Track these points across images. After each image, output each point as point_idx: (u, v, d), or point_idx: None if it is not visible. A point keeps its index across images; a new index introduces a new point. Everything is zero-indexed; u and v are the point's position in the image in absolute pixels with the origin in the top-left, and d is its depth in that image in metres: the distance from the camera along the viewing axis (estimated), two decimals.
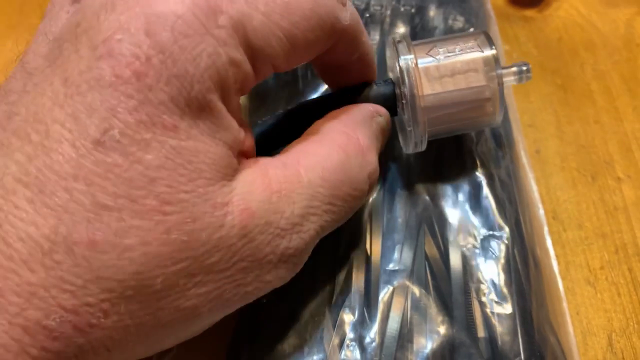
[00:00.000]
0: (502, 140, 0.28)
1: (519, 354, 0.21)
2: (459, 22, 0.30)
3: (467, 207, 0.25)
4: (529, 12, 0.37)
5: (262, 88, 0.29)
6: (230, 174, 0.16)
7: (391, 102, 0.23)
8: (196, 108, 0.15)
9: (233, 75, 0.16)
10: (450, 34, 0.30)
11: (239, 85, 0.17)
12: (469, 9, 0.31)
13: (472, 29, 0.30)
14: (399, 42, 0.23)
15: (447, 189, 0.25)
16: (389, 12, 0.30)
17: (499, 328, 0.22)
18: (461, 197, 0.25)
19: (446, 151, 0.26)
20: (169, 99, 0.15)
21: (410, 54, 0.22)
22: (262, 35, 0.17)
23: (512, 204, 0.26)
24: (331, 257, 0.23)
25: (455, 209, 0.25)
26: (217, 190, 0.16)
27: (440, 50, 0.23)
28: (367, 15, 0.30)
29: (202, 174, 0.15)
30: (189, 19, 0.15)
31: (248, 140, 0.18)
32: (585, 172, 0.30)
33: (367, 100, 0.23)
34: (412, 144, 0.23)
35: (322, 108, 0.22)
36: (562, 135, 0.31)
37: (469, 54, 0.23)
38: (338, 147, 0.19)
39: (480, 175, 0.26)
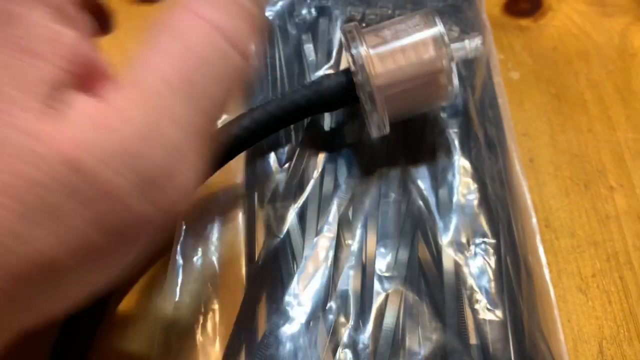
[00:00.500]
0: (496, 148, 0.28)
1: None
2: (454, 32, 0.30)
3: (461, 214, 0.25)
4: (524, 22, 0.37)
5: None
6: (52, 96, 0.14)
7: (349, 90, 0.24)
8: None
9: None
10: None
11: None
12: (464, 19, 0.32)
13: (467, 40, 0.30)
14: (349, 31, 0.24)
15: (441, 196, 0.26)
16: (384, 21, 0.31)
17: (491, 335, 0.22)
18: (454, 204, 0.25)
19: (440, 158, 0.27)
20: None
21: (360, 40, 0.23)
22: None
23: (505, 212, 0.26)
24: (325, 262, 0.23)
25: (448, 216, 0.25)
26: (28, 113, 0.13)
27: (389, 31, 0.24)
28: (364, 24, 0.30)
29: (13, 99, 0.13)
30: None
31: (92, 57, 0.15)
32: (578, 181, 0.30)
33: (328, 90, 0.24)
34: (375, 127, 0.24)
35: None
36: (556, 144, 0.31)
37: (416, 31, 0.24)
38: (172, 35, 0.16)
39: (473, 183, 0.26)
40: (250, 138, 0.24)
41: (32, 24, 0.13)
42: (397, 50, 0.23)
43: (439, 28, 0.24)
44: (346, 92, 0.24)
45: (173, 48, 0.15)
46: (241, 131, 0.23)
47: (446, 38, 0.24)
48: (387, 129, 0.24)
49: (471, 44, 0.25)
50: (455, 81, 0.24)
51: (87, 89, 0.15)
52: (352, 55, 0.23)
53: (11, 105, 0.13)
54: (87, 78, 0.15)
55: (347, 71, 0.24)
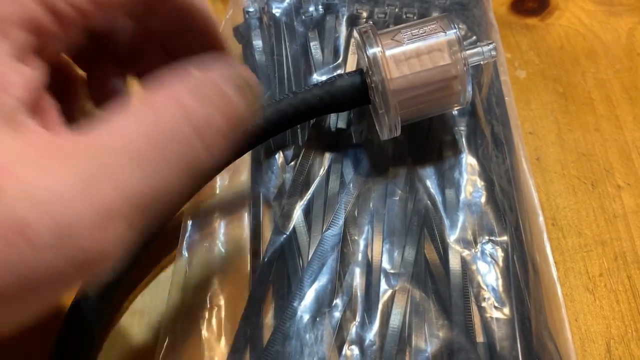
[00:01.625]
0: (503, 147, 0.28)
1: None
2: (462, 30, 0.30)
3: (467, 212, 0.25)
4: (531, 21, 0.37)
5: None
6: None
7: (362, 91, 0.24)
8: None
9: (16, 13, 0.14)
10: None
11: (16, 20, 0.15)
12: (471, 17, 0.31)
13: (474, 37, 0.30)
14: (365, 32, 0.24)
15: (448, 194, 0.25)
16: (392, 19, 0.30)
17: (498, 333, 0.22)
18: (461, 202, 0.25)
19: (447, 157, 0.27)
20: None
21: (377, 41, 0.23)
22: None
23: (512, 211, 0.26)
24: (333, 259, 0.23)
25: (455, 214, 0.25)
26: None
27: (405, 35, 0.24)
28: (371, 22, 0.30)
29: None
30: None
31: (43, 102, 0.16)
32: (586, 180, 0.30)
33: (340, 90, 0.23)
34: (387, 130, 0.24)
35: None
36: (563, 143, 0.31)
37: (432, 36, 0.24)
38: (146, 105, 0.16)
39: (480, 181, 0.26)
40: (261, 135, 0.24)
41: None
42: (413, 55, 0.23)
43: (455, 33, 0.24)
44: (359, 93, 0.24)
45: (141, 117, 0.15)
46: (252, 128, 0.23)
47: (462, 44, 0.24)
48: (399, 132, 0.24)
49: (485, 50, 0.25)
50: (469, 87, 0.24)
51: (40, 120, 0.15)
52: (367, 57, 0.23)
53: None
54: (41, 112, 0.15)
55: (360, 72, 0.24)
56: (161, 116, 0.15)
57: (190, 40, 0.20)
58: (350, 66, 0.29)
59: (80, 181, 0.13)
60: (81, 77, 0.22)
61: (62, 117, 0.16)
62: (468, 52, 0.24)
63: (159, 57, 0.21)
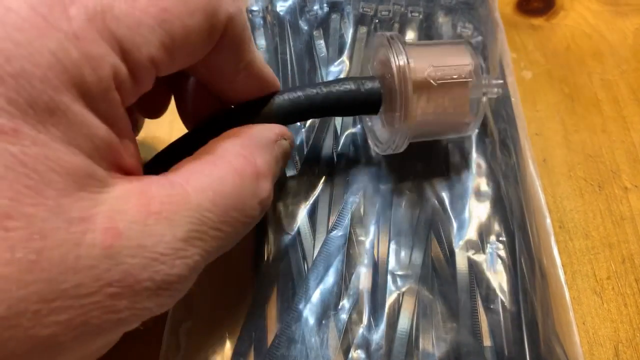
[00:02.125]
0: (509, 148, 0.28)
1: None
2: (468, 30, 0.30)
3: (475, 214, 0.25)
4: (537, 21, 0.37)
5: None
6: (93, 185, 0.15)
7: (376, 103, 0.23)
8: (43, 111, 0.14)
9: (94, 73, 0.14)
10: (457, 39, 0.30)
11: (108, 85, 0.15)
12: (477, 17, 0.31)
13: (480, 37, 0.30)
14: (392, 40, 0.23)
15: (455, 196, 0.25)
16: (397, 18, 0.30)
17: (506, 337, 0.22)
18: (468, 204, 0.25)
19: (455, 157, 0.26)
20: (6, 100, 0.13)
21: (407, 62, 0.22)
22: (128, 24, 0.15)
23: (519, 212, 0.25)
24: (339, 261, 0.23)
25: (462, 215, 0.25)
26: (72, 204, 0.14)
27: (438, 73, 0.23)
28: (376, 21, 0.30)
29: (52, 184, 0.14)
30: (24, 13, 0.14)
31: (129, 153, 0.16)
32: (592, 182, 0.29)
33: (354, 98, 0.22)
34: (387, 149, 0.24)
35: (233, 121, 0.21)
36: (569, 144, 0.31)
37: (461, 83, 0.23)
38: (234, 171, 0.18)
39: (487, 182, 0.25)
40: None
41: (71, 116, 0.14)
42: (439, 97, 0.23)
43: (479, 67, 0.23)
44: (370, 104, 0.23)
45: (228, 178, 0.17)
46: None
47: (481, 82, 0.24)
48: (402, 150, 0.24)
49: (493, 84, 0.25)
50: (479, 122, 0.24)
51: (121, 173, 0.16)
52: (398, 89, 0.22)
53: (52, 189, 0.14)
54: (120, 167, 0.16)
55: (375, 81, 0.23)
56: (245, 190, 0.18)
57: (242, 82, 0.21)
58: (356, 65, 0.29)
59: (181, 242, 0.16)
60: None
61: (138, 157, 0.17)
62: (488, 81, 0.24)
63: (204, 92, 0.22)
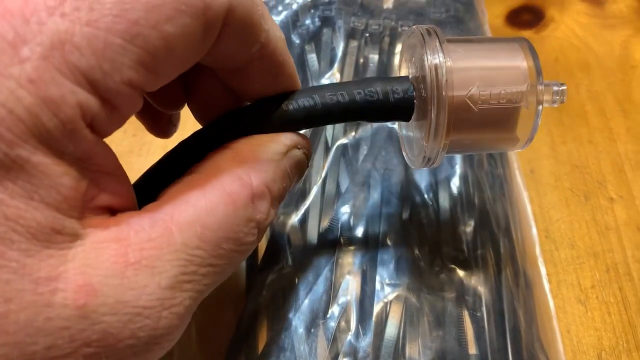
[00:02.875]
0: (496, 159, 0.28)
1: None
2: None
3: (462, 223, 0.25)
4: (526, 33, 0.38)
5: None
6: (62, 240, 0.13)
7: (408, 110, 0.20)
8: None
9: (55, 117, 0.13)
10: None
11: (73, 126, 0.13)
12: (466, 30, 0.32)
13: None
14: (428, 35, 0.19)
15: (442, 205, 0.26)
16: (387, 32, 0.31)
17: (490, 345, 0.23)
18: (456, 213, 0.26)
19: (442, 168, 0.27)
20: None
21: (444, 86, 0.18)
22: (92, 51, 0.13)
23: (505, 222, 0.26)
24: (328, 270, 0.23)
25: (449, 224, 0.25)
26: (38, 263, 0.13)
27: (482, 95, 0.19)
28: (367, 35, 0.31)
29: (13, 245, 0.13)
30: None
31: (110, 191, 0.15)
32: (579, 192, 0.30)
33: (383, 101, 0.19)
34: (423, 163, 0.20)
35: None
36: (556, 155, 0.31)
37: (510, 109, 0.19)
38: (226, 197, 0.16)
39: (474, 192, 0.26)
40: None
41: (31, 169, 0.13)
42: (477, 120, 0.19)
43: (538, 106, 0.20)
44: (405, 110, 0.20)
45: (219, 209, 0.16)
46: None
47: (538, 92, 0.20)
48: (437, 164, 0.21)
49: (558, 91, 0.21)
50: (528, 142, 0.21)
51: (95, 221, 0.15)
52: (433, 79, 0.19)
53: (13, 250, 0.13)
54: (98, 209, 0.15)
55: (410, 85, 0.20)
56: (238, 217, 0.16)
57: (261, 73, 0.18)
58: (347, 78, 0.29)
59: (167, 291, 0.14)
60: None
61: (126, 190, 0.16)
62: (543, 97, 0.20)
63: (221, 90, 0.20)
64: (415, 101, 0.19)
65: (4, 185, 0.13)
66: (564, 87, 0.20)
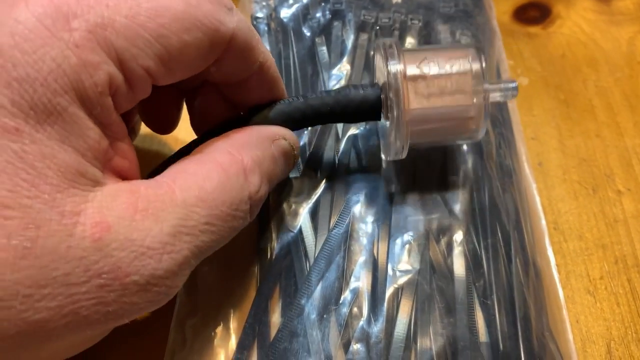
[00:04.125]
0: (505, 151, 0.28)
1: None
2: (466, 37, 0.31)
3: (472, 214, 0.25)
4: (534, 29, 0.38)
5: None
6: (85, 183, 0.16)
7: (376, 108, 0.23)
8: (42, 112, 0.15)
9: (92, 79, 0.16)
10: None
11: (103, 90, 0.16)
12: (475, 25, 0.32)
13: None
14: (390, 47, 0.23)
15: (453, 196, 0.26)
16: (397, 25, 0.31)
17: (501, 333, 0.23)
18: (466, 204, 0.26)
19: (452, 161, 0.27)
20: (10, 102, 0.15)
21: (400, 63, 0.23)
22: (126, 37, 0.16)
23: (515, 214, 0.26)
24: (340, 257, 0.24)
25: (460, 215, 0.25)
26: (65, 198, 0.15)
27: (431, 64, 0.23)
28: (377, 27, 0.31)
29: (47, 179, 0.15)
30: (31, 24, 0.15)
31: (122, 155, 0.18)
32: (587, 185, 0.30)
33: (352, 103, 0.23)
34: (393, 152, 0.24)
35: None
36: (564, 149, 0.32)
37: (458, 72, 0.23)
38: (219, 167, 0.19)
39: (484, 184, 0.26)
40: None
41: (67, 117, 0.16)
42: (435, 90, 0.23)
43: (480, 70, 0.23)
44: (372, 109, 0.23)
45: (214, 176, 0.18)
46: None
47: (487, 82, 0.23)
48: (404, 156, 0.24)
49: (507, 88, 0.24)
50: (485, 125, 0.24)
51: (116, 173, 0.18)
52: (388, 80, 0.23)
53: (47, 184, 0.15)
54: (112, 168, 0.17)
55: (377, 87, 0.24)
56: (231, 184, 0.18)
57: (257, 87, 0.22)
58: (357, 69, 0.29)
59: (169, 237, 0.17)
60: None
61: (133, 161, 0.19)
62: (490, 87, 0.24)
63: (216, 94, 0.23)
64: (382, 99, 0.23)
65: (44, 128, 0.15)
66: (514, 84, 0.24)
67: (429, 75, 0.23)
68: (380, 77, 0.25)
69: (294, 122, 0.23)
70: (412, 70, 0.23)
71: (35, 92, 0.15)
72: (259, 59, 0.21)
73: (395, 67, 0.23)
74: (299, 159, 0.27)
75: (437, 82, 0.23)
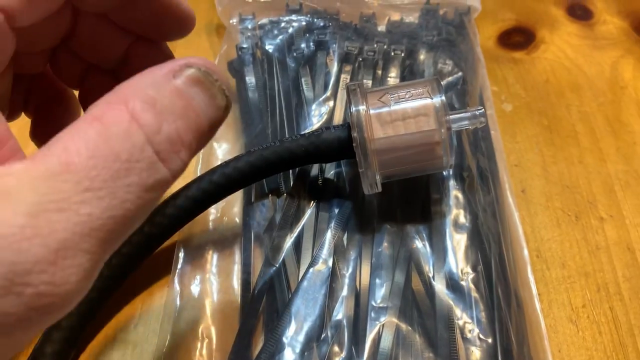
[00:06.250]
0: (488, 179, 0.29)
1: None
2: (448, 66, 0.31)
3: (453, 246, 0.26)
4: (518, 54, 0.38)
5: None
6: None
7: (347, 145, 0.24)
8: None
9: None
10: (438, 76, 0.31)
11: None
12: (458, 53, 0.32)
13: (460, 73, 0.31)
14: (353, 89, 0.24)
15: (434, 228, 0.26)
16: (380, 56, 0.32)
17: None
18: (447, 236, 0.26)
19: (434, 189, 0.27)
20: None
21: (362, 100, 0.24)
22: None
23: (497, 243, 0.27)
24: (322, 293, 0.24)
25: (441, 246, 0.26)
26: None
27: (392, 96, 0.24)
28: (360, 59, 0.31)
29: None
30: None
31: None
32: (570, 212, 0.31)
33: (324, 142, 0.24)
34: (367, 185, 0.25)
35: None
36: (548, 175, 0.32)
37: (419, 100, 0.24)
38: (93, 121, 0.14)
39: (465, 215, 0.27)
40: (243, 180, 0.25)
41: None
42: (399, 118, 0.24)
43: (441, 98, 0.24)
44: (344, 147, 0.24)
45: (89, 135, 0.14)
46: (235, 173, 0.24)
47: (447, 111, 0.24)
48: (379, 189, 0.25)
49: (474, 115, 0.25)
50: (452, 152, 0.24)
51: None
52: (351, 115, 0.24)
53: None
54: None
55: (347, 126, 0.25)
56: (112, 133, 0.14)
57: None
58: (340, 101, 0.30)
59: (27, 218, 0.13)
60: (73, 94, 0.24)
61: (16, 145, 0.15)
62: (454, 117, 0.24)
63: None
64: (354, 137, 0.24)
65: None
66: (480, 110, 0.25)
67: (391, 106, 0.24)
68: (349, 116, 0.25)
69: (272, 165, 0.24)
70: (374, 103, 0.24)
71: None
72: None
73: (357, 105, 0.24)
74: (283, 186, 0.27)
75: (400, 111, 0.24)
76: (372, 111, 0.24)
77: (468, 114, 0.25)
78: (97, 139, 0.14)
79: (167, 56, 0.22)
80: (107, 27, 0.21)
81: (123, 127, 0.14)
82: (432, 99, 0.24)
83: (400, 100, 0.24)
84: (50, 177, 0.13)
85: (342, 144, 0.24)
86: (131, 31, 0.21)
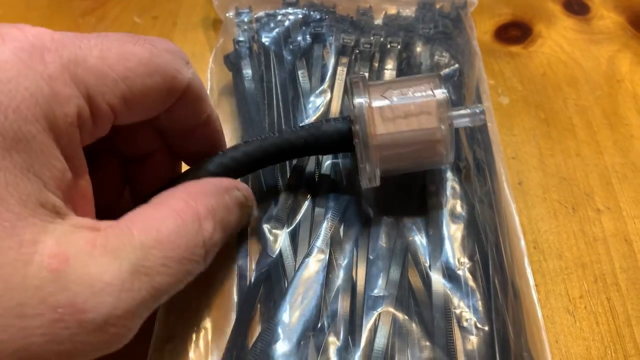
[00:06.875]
0: (485, 171, 0.29)
1: None
2: (445, 58, 0.31)
3: (450, 236, 0.26)
4: (515, 48, 0.38)
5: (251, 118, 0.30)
6: (46, 214, 0.16)
7: (347, 138, 0.24)
8: (11, 138, 0.15)
9: (63, 109, 0.17)
10: (436, 70, 0.31)
11: (72, 121, 0.17)
12: (454, 46, 0.32)
13: (456, 65, 0.31)
14: (355, 82, 0.24)
15: (431, 218, 0.26)
16: (377, 48, 0.32)
17: (479, 355, 0.23)
18: (444, 226, 0.26)
19: (430, 181, 0.27)
20: None
21: (365, 94, 0.24)
22: (95, 75, 0.18)
23: (493, 234, 0.26)
24: (319, 283, 0.24)
25: (438, 238, 0.26)
26: (25, 227, 0.15)
27: (395, 92, 0.24)
28: (357, 51, 0.31)
29: (9, 207, 0.15)
30: (6, 56, 0.16)
31: (81, 192, 0.18)
32: (566, 204, 0.31)
33: (325, 135, 0.24)
34: (366, 179, 0.24)
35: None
36: (545, 168, 0.32)
37: (422, 97, 0.24)
38: (174, 213, 0.19)
39: (462, 205, 0.27)
40: (240, 170, 0.24)
41: (35, 145, 0.16)
42: (400, 114, 0.23)
43: (444, 95, 0.24)
44: (344, 140, 0.24)
45: (170, 221, 0.19)
46: (232, 163, 0.24)
47: (450, 108, 0.24)
48: (378, 183, 0.24)
49: (474, 113, 0.25)
50: (453, 150, 0.24)
51: (76, 210, 0.18)
52: (354, 107, 0.23)
53: (8, 212, 0.15)
54: (72, 201, 0.18)
55: (348, 119, 0.24)
56: (186, 231, 0.19)
57: (202, 137, 0.24)
58: (337, 94, 0.30)
59: (126, 275, 0.17)
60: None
61: (90, 200, 0.19)
62: (455, 113, 0.24)
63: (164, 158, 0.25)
64: (354, 131, 0.24)
65: (11, 155, 0.15)
66: (480, 109, 0.25)
67: (394, 102, 0.24)
68: (350, 110, 0.25)
69: (271, 156, 0.24)
70: (376, 98, 0.24)
71: (7, 119, 0.15)
72: (207, 110, 0.23)
73: (360, 99, 0.23)
74: (280, 181, 0.27)
75: (402, 108, 0.23)
76: (374, 106, 0.23)
77: (469, 112, 0.25)
78: (177, 231, 0.19)
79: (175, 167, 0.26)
80: (148, 131, 0.24)
81: (194, 228, 0.19)
82: (435, 96, 0.24)
83: (403, 96, 0.24)
84: (144, 247, 0.17)
85: (342, 136, 0.24)
86: (171, 150, 0.25)
